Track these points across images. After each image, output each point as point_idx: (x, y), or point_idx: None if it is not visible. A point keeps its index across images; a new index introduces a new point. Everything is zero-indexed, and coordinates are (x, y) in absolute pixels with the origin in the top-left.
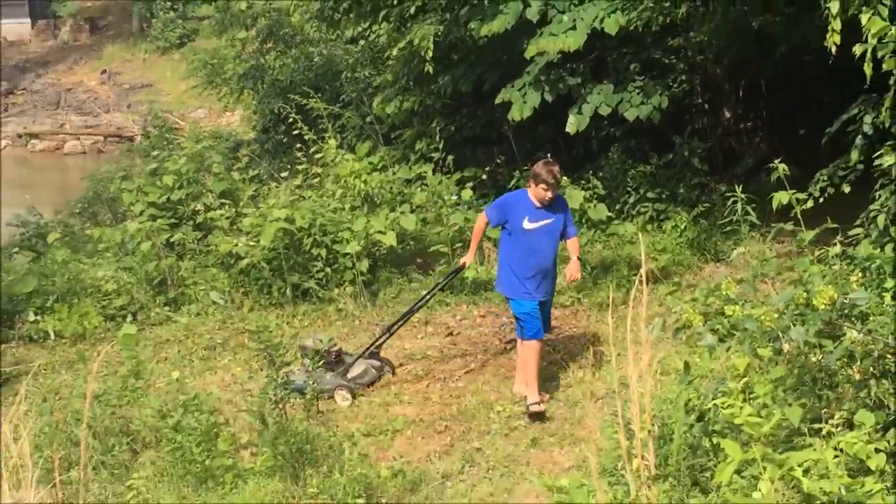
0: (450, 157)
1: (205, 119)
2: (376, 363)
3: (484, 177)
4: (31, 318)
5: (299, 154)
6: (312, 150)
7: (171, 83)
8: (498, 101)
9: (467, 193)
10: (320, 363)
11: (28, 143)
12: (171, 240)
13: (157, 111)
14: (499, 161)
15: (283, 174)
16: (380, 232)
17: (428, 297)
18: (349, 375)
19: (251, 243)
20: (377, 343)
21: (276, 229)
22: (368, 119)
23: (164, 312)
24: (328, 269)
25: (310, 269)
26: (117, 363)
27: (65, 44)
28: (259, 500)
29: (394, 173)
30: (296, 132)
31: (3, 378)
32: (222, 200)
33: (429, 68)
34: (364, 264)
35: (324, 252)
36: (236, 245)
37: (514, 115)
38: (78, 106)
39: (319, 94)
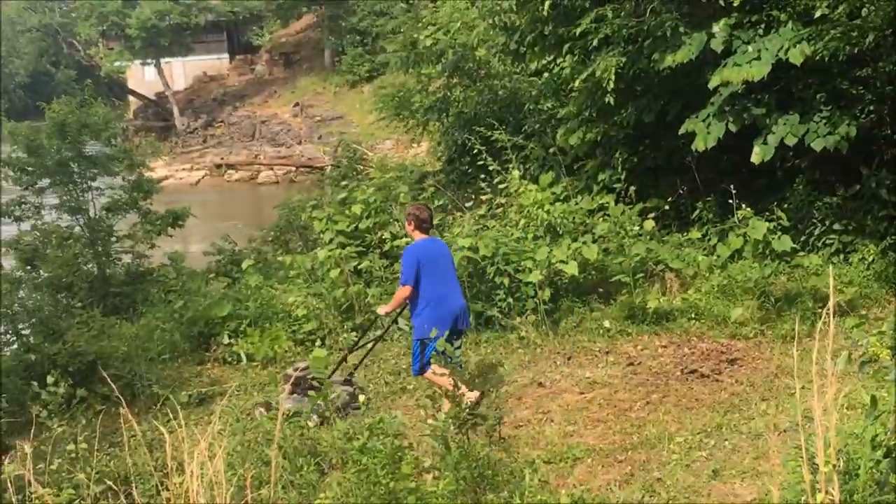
0: (632, 188)
1: (392, 150)
2: (348, 388)
3: (666, 207)
4: (226, 340)
5: (483, 184)
6: (496, 180)
7: (360, 115)
8: (681, 131)
9: (649, 224)
10: (297, 389)
11: (225, 172)
12: (359, 267)
13: (347, 142)
14: (682, 192)
15: (467, 204)
16: (562, 261)
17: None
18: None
19: None
20: (337, 368)
21: (461, 258)
22: (552, 150)
23: (352, 337)
24: (510, 298)
25: (493, 298)
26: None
27: (260, 77)
28: None
29: (576, 203)
30: (480, 163)
31: (199, 398)
32: None
33: (611, 99)
34: (546, 293)
35: (507, 281)
36: None
37: (698, 145)
38: (272, 137)
39: (503, 126)
